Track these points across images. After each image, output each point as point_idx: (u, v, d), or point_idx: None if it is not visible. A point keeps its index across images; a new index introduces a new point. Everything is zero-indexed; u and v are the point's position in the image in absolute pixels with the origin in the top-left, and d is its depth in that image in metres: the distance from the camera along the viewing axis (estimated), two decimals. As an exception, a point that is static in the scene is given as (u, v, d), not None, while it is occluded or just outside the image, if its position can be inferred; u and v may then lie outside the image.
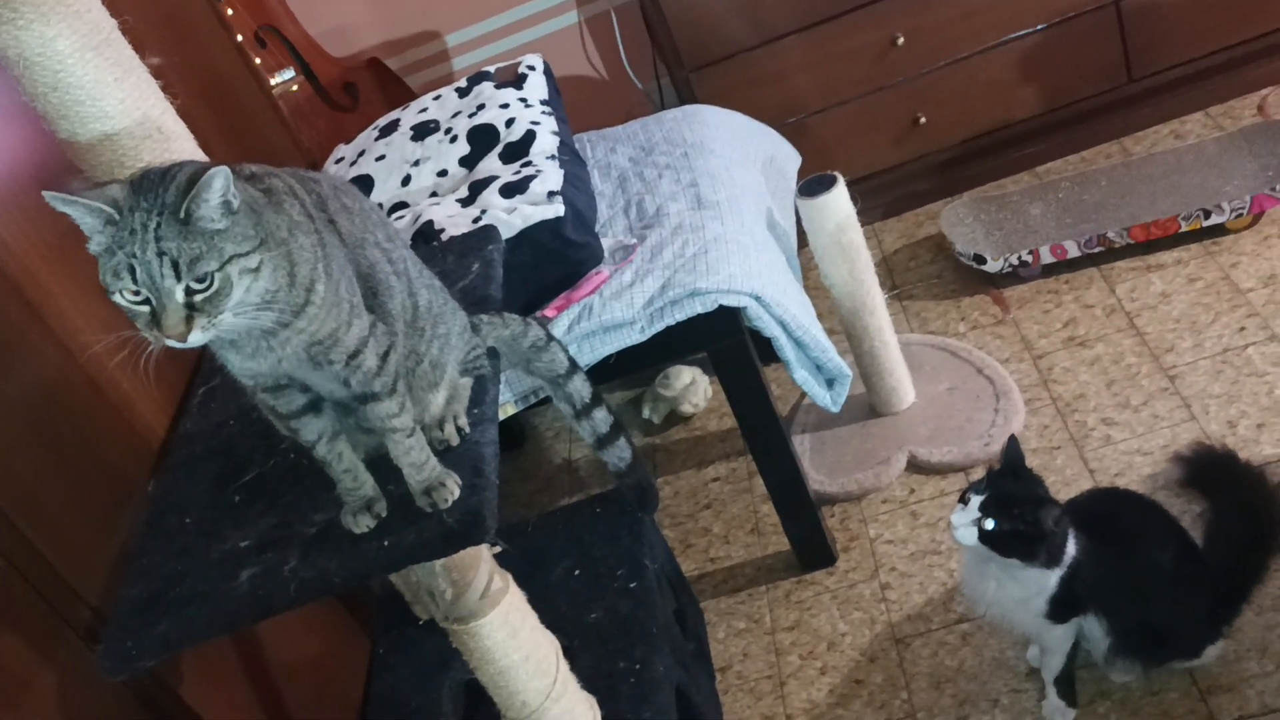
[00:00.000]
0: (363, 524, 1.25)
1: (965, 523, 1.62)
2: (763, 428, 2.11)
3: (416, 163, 2.31)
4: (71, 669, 1.44)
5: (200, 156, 1.31)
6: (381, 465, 1.27)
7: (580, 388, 1.51)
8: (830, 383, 2.13)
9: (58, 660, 1.43)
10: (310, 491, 1.33)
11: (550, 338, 1.50)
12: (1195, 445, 2.04)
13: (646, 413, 2.78)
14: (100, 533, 1.56)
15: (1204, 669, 1.79)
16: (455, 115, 2.38)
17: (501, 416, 2.01)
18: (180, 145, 1.29)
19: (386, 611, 2.00)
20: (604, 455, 1.55)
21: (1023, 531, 1.60)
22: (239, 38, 2.73)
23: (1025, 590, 1.67)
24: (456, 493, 1.25)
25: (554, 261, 2.03)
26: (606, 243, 2.14)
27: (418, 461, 1.24)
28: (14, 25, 1.13)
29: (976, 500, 1.63)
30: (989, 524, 1.60)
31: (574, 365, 1.51)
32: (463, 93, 2.46)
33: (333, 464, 1.24)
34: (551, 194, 2.07)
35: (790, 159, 2.70)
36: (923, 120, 2.96)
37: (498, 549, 1.42)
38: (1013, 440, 1.69)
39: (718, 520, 2.48)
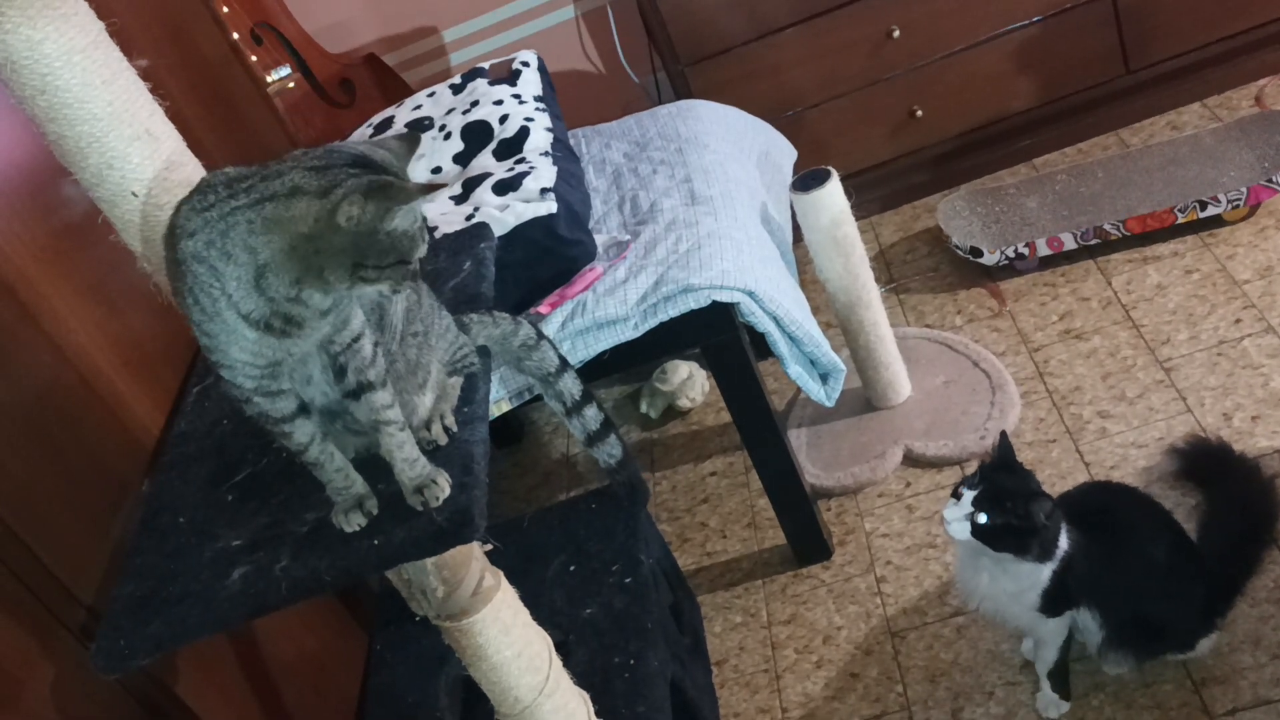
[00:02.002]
0: (354, 522, 1.25)
1: (958, 517, 1.63)
2: (758, 423, 2.12)
3: (411, 160, 2.31)
4: (66, 667, 1.45)
5: (189, 158, 1.31)
6: (370, 465, 1.28)
7: (571, 386, 1.51)
8: (825, 377, 2.14)
9: (53, 659, 1.44)
10: (302, 490, 1.34)
11: (540, 336, 1.51)
12: (1190, 438, 2.05)
13: (644, 407, 2.79)
14: (94, 532, 1.56)
15: (1198, 661, 1.80)
16: (449, 112, 2.39)
17: (496, 413, 2.03)
18: (169, 146, 1.29)
19: (384, 608, 2.01)
20: (595, 452, 1.56)
21: (1015, 526, 1.60)
22: (234, 35, 2.73)
23: (1018, 584, 1.68)
24: (447, 490, 1.25)
25: (547, 258, 2.03)
26: (600, 239, 2.14)
27: (410, 457, 1.24)
28: (0, 29, 1.14)
29: (969, 495, 1.63)
30: (981, 518, 1.61)
31: (564, 363, 1.52)
32: (457, 89, 2.46)
33: (325, 465, 1.24)
34: (545, 191, 2.07)
35: (786, 153, 2.69)
36: (919, 113, 2.96)
37: (489, 546, 1.43)
38: (1004, 435, 1.69)
39: (714, 515, 2.49)
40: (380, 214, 1.05)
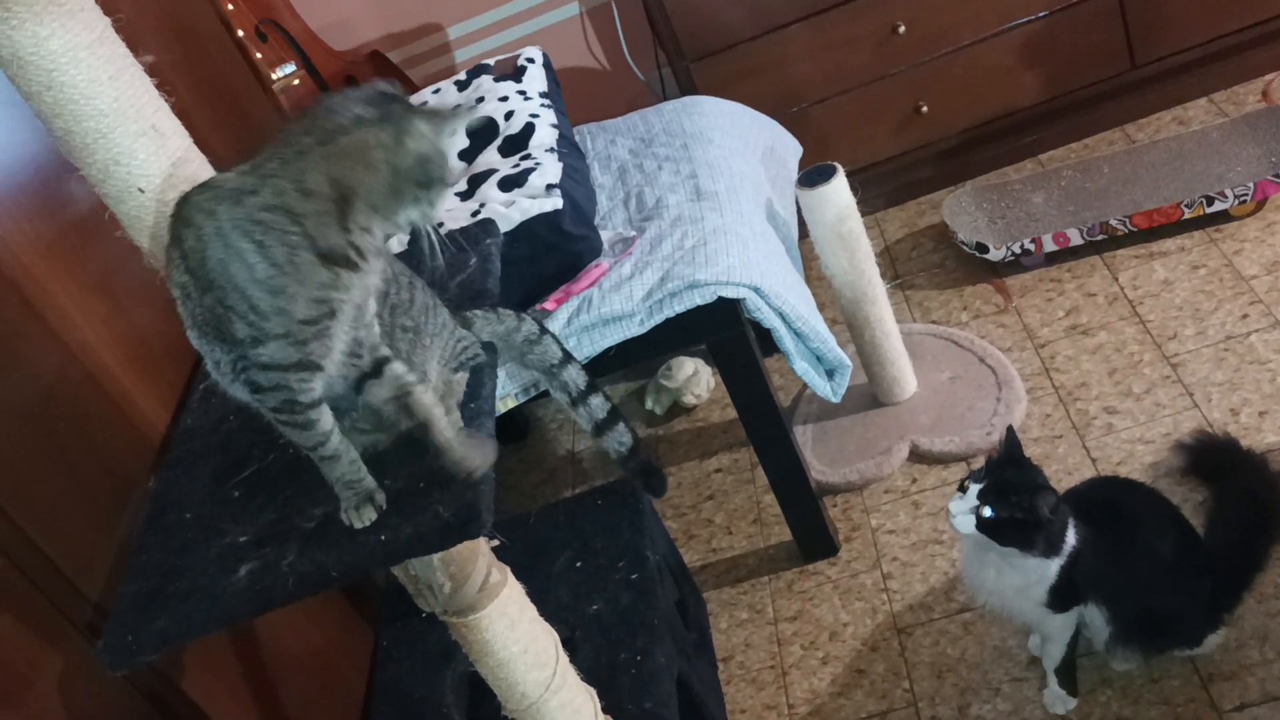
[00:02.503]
0: (366, 516, 1.25)
1: (963, 511, 1.63)
2: (763, 419, 2.11)
3: (416, 156, 2.31)
4: (73, 664, 1.45)
5: (195, 154, 1.31)
6: (373, 464, 1.28)
7: (575, 376, 1.51)
8: (831, 373, 2.13)
9: (59, 655, 1.45)
10: (308, 486, 1.34)
11: (544, 330, 1.51)
12: (1197, 433, 2.04)
13: (649, 404, 2.78)
14: (101, 529, 1.57)
15: (1205, 657, 1.80)
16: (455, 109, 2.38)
17: (503, 409, 2.03)
18: (175, 143, 1.29)
19: (390, 604, 2.01)
20: (604, 442, 1.55)
21: (1020, 519, 1.60)
22: (239, 32, 2.73)
23: (1025, 579, 1.67)
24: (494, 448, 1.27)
25: (552, 254, 2.03)
26: (606, 235, 2.14)
27: (451, 416, 1.27)
28: (7, 25, 1.13)
29: (975, 488, 1.63)
30: (986, 512, 1.61)
31: (568, 355, 1.52)
32: (462, 86, 2.46)
33: (342, 456, 1.24)
34: (550, 187, 2.07)
35: (791, 149, 2.70)
36: (924, 109, 2.95)
37: (495, 542, 1.43)
38: (1010, 430, 1.69)
39: (720, 511, 2.49)
40: (439, 133, 1.13)
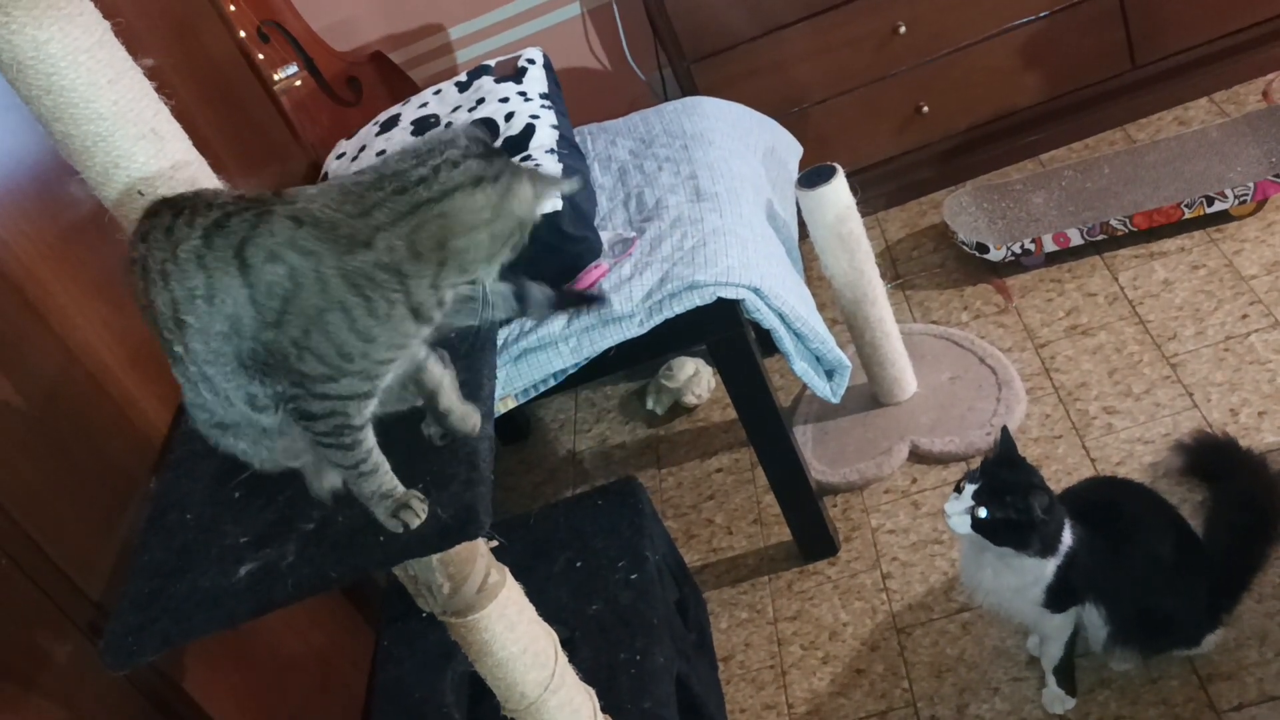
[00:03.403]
0: (421, 510, 1.24)
1: (958, 511, 1.63)
2: (763, 419, 2.12)
3: (417, 157, 2.31)
4: (75, 664, 1.46)
5: (194, 157, 1.32)
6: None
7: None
8: (830, 374, 2.14)
9: (61, 655, 1.45)
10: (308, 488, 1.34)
11: None
12: (1196, 433, 2.04)
13: (650, 404, 2.79)
14: (102, 530, 1.57)
15: (1204, 657, 1.80)
16: (455, 109, 2.39)
17: (504, 409, 2.03)
18: (175, 146, 1.30)
19: (391, 604, 2.02)
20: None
21: (1015, 520, 1.60)
22: (241, 34, 2.74)
23: (1022, 579, 1.68)
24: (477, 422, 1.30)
25: (552, 255, 2.03)
26: (605, 236, 2.15)
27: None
28: (6, 29, 1.14)
29: (970, 488, 1.64)
30: (981, 512, 1.61)
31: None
32: (463, 87, 2.46)
33: (380, 468, 1.23)
34: (550, 188, 2.07)
35: (791, 150, 2.70)
36: (925, 109, 2.95)
37: (494, 543, 1.43)
38: (1005, 430, 1.69)
39: (720, 511, 2.49)
40: (540, 200, 1.12)
